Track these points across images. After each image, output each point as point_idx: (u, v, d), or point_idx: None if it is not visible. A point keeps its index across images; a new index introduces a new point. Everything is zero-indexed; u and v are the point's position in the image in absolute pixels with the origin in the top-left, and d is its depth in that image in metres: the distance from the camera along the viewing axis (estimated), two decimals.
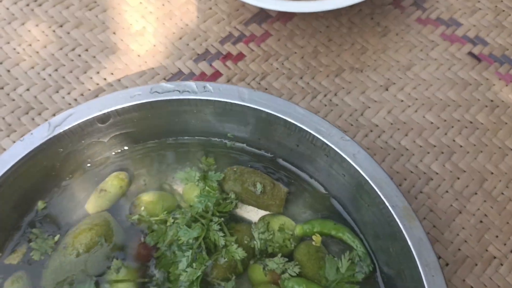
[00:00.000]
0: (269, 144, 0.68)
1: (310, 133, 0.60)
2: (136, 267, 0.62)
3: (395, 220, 0.56)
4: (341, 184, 0.64)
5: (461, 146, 0.76)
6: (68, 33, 0.81)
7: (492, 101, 0.79)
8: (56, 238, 0.63)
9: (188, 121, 0.67)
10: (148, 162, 0.69)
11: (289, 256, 0.63)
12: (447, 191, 0.73)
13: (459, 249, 0.70)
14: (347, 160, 0.59)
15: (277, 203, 0.66)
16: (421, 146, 0.75)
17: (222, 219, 0.63)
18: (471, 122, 0.77)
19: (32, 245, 0.61)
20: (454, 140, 0.76)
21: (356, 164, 0.58)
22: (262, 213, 0.67)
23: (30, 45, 0.79)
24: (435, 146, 0.76)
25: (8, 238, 0.62)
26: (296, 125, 0.61)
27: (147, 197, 0.65)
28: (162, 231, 0.62)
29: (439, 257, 0.69)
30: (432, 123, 0.77)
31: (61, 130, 0.60)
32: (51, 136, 0.59)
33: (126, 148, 0.69)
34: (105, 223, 0.62)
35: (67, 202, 0.66)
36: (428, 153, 0.75)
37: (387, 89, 0.79)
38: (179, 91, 0.62)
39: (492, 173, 0.74)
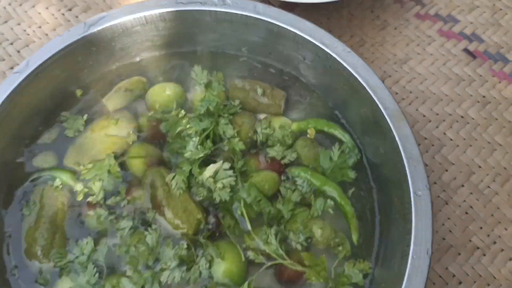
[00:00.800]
0: (278, 58, 0.75)
1: (316, 45, 0.67)
2: (150, 147, 0.69)
3: (386, 120, 0.62)
4: (340, 91, 0.70)
5: (451, 140, 0.78)
6: (77, 16, 0.84)
7: (484, 97, 0.81)
8: (85, 117, 0.70)
9: (207, 34, 0.74)
10: (167, 70, 0.75)
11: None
12: (435, 183, 0.76)
13: (444, 239, 0.73)
14: (347, 69, 0.65)
15: (277, 103, 0.72)
16: None
17: (231, 116, 0.70)
18: (462, 117, 0.80)
19: (65, 125, 0.69)
20: (444, 134, 0.79)
21: (355, 72, 0.65)
22: None
23: (39, 27, 0.83)
24: (426, 138, 0.78)
25: (44, 120, 0.70)
26: (304, 38, 0.67)
27: (161, 90, 0.72)
28: (174, 121, 0.69)
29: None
30: (424, 116, 0.80)
31: (95, 30, 0.67)
32: (86, 33, 0.67)
33: (149, 55, 0.75)
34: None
35: (97, 96, 0.73)
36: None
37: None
38: (201, 3, 0.69)
39: (480, 166, 0.77)
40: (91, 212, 0.64)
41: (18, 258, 0.62)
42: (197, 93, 0.73)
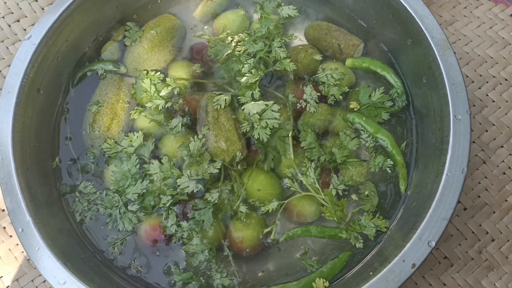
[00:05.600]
0: None
1: None
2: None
3: (432, 48, 0.63)
4: (390, 25, 0.72)
5: (493, 101, 0.78)
6: None
7: None
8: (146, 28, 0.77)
9: None
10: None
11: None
12: (474, 142, 0.76)
13: (479, 196, 0.73)
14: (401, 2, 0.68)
15: (349, 51, 0.74)
16: None
17: (283, 40, 0.71)
18: (506, 79, 0.80)
19: (126, 34, 0.77)
20: (487, 95, 0.79)
21: (405, 2, 0.67)
22: None
23: None
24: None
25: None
26: None
27: (223, 19, 0.77)
28: (221, 47, 0.72)
29: (458, 201, 0.72)
30: (467, 76, 0.80)
31: None
32: None
33: None
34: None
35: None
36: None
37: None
38: None
39: None
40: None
41: (74, 129, 0.72)
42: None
